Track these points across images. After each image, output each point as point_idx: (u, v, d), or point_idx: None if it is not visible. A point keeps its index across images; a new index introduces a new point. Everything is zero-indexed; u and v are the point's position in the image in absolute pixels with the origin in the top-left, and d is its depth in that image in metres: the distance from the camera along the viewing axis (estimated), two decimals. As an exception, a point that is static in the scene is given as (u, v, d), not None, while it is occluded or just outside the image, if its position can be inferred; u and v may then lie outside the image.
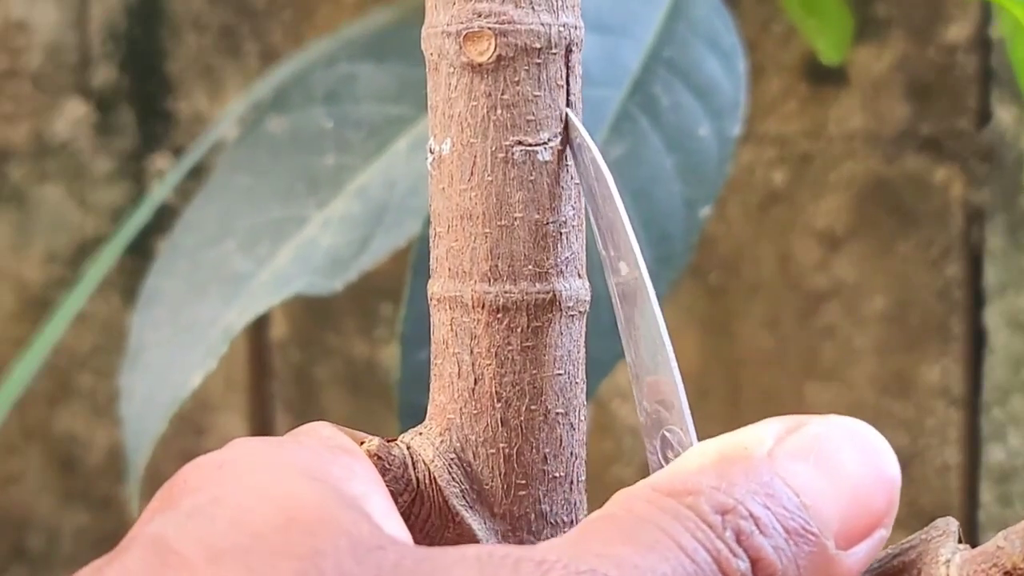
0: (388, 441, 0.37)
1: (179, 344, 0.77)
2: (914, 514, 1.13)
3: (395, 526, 0.32)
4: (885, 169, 1.13)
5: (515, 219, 0.35)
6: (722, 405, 1.15)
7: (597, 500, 1.05)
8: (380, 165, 0.76)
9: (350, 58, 0.79)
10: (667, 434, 0.36)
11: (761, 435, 0.32)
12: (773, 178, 1.14)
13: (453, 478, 0.37)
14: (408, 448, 0.37)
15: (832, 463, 0.33)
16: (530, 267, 0.36)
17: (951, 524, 0.37)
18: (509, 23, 0.34)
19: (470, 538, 0.36)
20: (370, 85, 0.78)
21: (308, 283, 0.75)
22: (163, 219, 1.07)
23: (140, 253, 1.17)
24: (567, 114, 0.35)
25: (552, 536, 0.37)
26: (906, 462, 1.12)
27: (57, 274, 1.26)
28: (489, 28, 0.34)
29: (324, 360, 1.23)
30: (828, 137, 1.13)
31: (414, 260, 0.71)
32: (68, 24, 1.24)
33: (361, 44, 0.80)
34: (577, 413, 0.37)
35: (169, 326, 0.78)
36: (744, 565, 0.30)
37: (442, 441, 0.37)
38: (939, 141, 1.12)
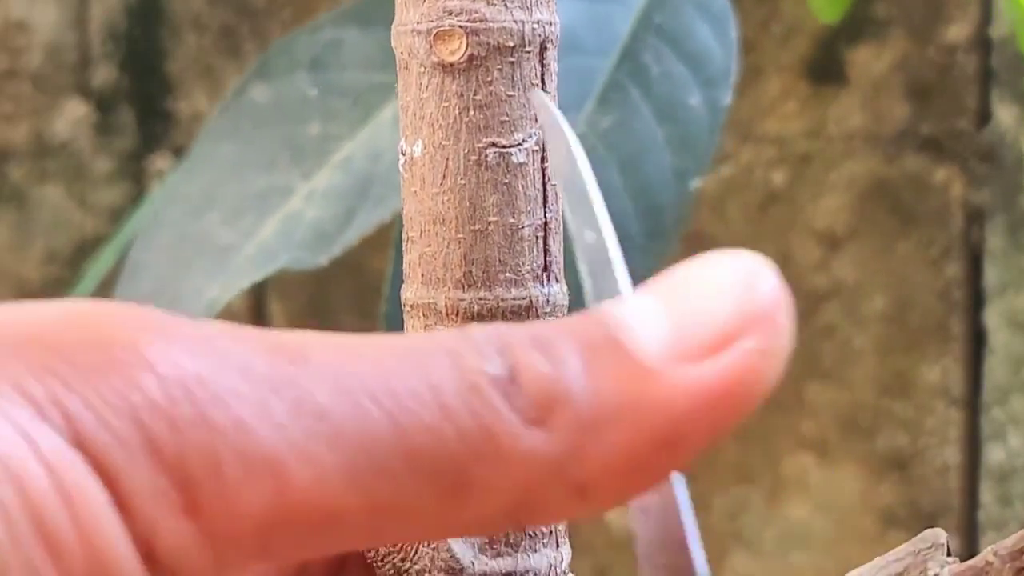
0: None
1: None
2: (914, 514, 1.13)
3: None
4: (885, 169, 1.12)
5: (489, 223, 0.35)
6: (722, 406, 1.15)
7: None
8: (365, 135, 0.75)
9: (335, 24, 0.78)
10: None
11: None
12: (773, 178, 1.14)
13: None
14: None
15: (674, 285, 0.27)
16: (505, 273, 0.35)
17: (940, 536, 0.37)
18: (480, 21, 0.34)
19: (446, 553, 0.35)
20: (355, 52, 0.77)
21: (293, 258, 0.74)
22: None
23: (139, 253, 1.17)
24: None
25: (531, 548, 0.36)
26: (906, 462, 1.12)
27: (57, 274, 1.26)
28: (460, 26, 0.33)
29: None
30: (828, 137, 1.13)
31: (396, 237, 0.70)
32: (68, 24, 1.24)
33: (346, 11, 0.79)
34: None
35: (153, 300, 0.77)
36: (495, 368, 0.25)
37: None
38: (939, 141, 1.11)
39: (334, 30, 0.78)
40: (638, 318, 0.27)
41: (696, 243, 1.13)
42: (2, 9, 1.25)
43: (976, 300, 1.11)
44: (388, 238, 0.74)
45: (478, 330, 0.26)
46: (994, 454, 1.11)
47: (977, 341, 1.12)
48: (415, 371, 0.25)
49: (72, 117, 1.25)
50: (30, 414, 0.23)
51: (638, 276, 0.77)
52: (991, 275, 1.11)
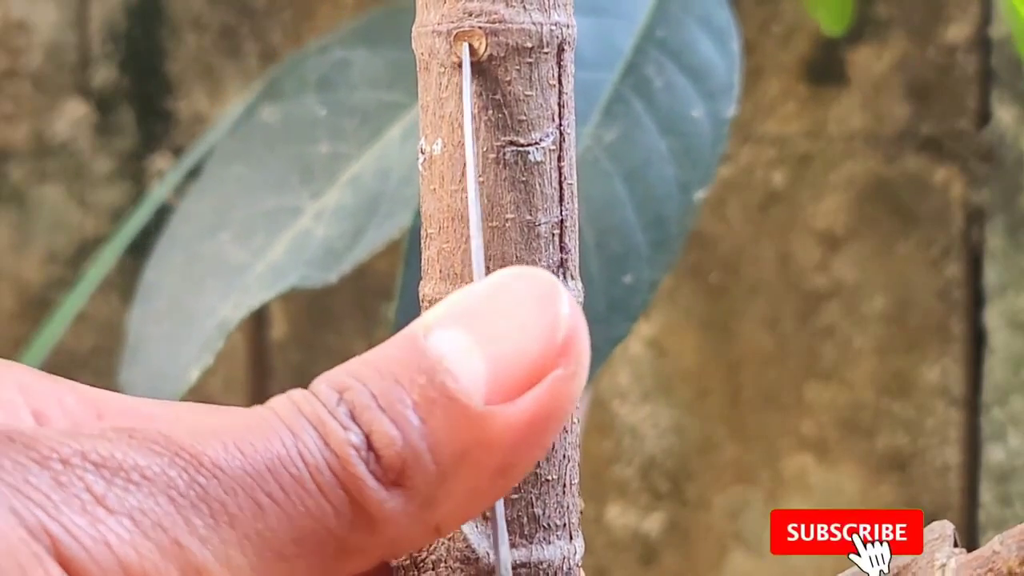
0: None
1: (177, 338, 0.77)
2: (914, 514, 1.13)
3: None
4: (885, 169, 1.12)
5: (506, 220, 0.35)
6: (722, 405, 1.15)
7: (597, 500, 1.04)
8: (374, 154, 0.76)
9: (343, 44, 0.78)
10: None
11: (428, 313, 0.32)
12: (773, 178, 1.14)
13: (444, 482, 0.36)
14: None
15: (481, 317, 0.31)
16: (522, 269, 0.35)
17: (947, 528, 0.37)
18: (500, 22, 0.34)
19: (462, 543, 0.35)
20: (364, 71, 0.77)
21: (303, 276, 0.74)
22: (163, 219, 1.07)
23: (140, 253, 1.16)
24: None
25: (545, 540, 0.36)
26: (906, 462, 1.12)
27: (57, 274, 1.26)
28: (480, 27, 0.34)
29: (324, 360, 1.23)
30: (828, 137, 1.13)
31: (406, 250, 0.71)
32: (68, 24, 1.24)
33: (354, 30, 0.79)
34: (569, 416, 0.37)
35: (167, 320, 0.78)
36: (356, 438, 0.30)
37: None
38: (939, 141, 1.12)
39: (342, 50, 0.78)
40: (457, 359, 0.30)
41: (696, 243, 1.14)
42: (2, 9, 1.25)
43: (976, 300, 1.12)
44: (391, 242, 0.75)
45: (327, 393, 0.31)
46: (994, 454, 1.12)
47: (977, 341, 1.12)
48: (294, 453, 0.30)
49: (72, 117, 1.25)
50: (23, 535, 0.28)
51: (643, 286, 0.77)
52: (991, 275, 1.11)
